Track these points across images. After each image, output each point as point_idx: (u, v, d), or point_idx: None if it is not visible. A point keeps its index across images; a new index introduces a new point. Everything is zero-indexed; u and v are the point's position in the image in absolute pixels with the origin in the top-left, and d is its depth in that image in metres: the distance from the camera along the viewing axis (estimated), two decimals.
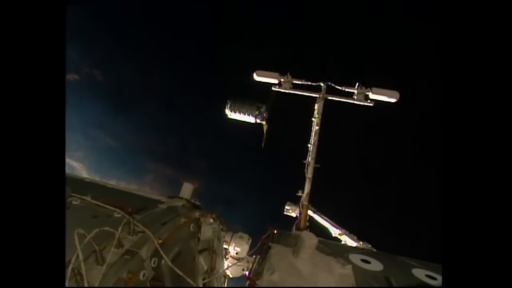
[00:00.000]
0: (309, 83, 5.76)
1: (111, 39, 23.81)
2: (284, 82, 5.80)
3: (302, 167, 5.15)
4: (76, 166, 25.71)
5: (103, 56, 24.88)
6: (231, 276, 4.01)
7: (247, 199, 21.19)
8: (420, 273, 2.83)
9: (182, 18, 21.24)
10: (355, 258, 2.93)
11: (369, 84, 5.52)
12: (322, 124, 5.43)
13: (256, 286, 2.34)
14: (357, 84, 5.53)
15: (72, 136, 24.83)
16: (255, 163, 20.20)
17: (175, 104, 23.53)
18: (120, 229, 2.00)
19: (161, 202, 2.95)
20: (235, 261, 3.91)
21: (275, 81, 5.83)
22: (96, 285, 1.64)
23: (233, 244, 3.88)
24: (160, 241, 2.15)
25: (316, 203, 5.72)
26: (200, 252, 2.99)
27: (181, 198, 3.28)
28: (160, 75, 23.55)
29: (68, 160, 25.32)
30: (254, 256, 3.52)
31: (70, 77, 23.98)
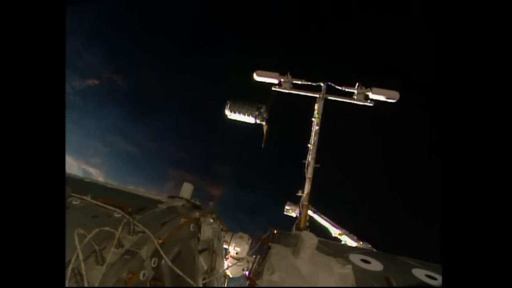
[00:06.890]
0: (309, 83, 5.76)
1: (132, 43, 23.27)
2: (284, 82, 5.79)
3: (302, 167, 5.16)
4: (93, 172, 24.99)
5: (124, 61, 24.22)
6: (231, 276, 4.01)
7: (271, 205, 20.70)
8: (420, 273, 2.83)
9: (202, 21, 20.79)
10: (355, 258, 2.93)
11: (369, 84, 5.53)
12: (322, 124, 5.43)
13: (256, 286, 2.34)
14: (357, 84, 5.52)
15: (89, 142, 24.36)
16: (279, 168, 19.59)
17: (197, 110, 22.67)
18: (120, 229, 2.01)
19: (161, 202, 2.95)
20: (235, 261, 3.91)
21: (275, 81, 5.83)
22: (96, 285, 1.64)
23: (233, 244, 3.88)
24: (160, 241, 2.15)
25: (316, 203, 5.72)
26: (200, 252, 2.99)
27: (181, 198, 3.28)
28: (182, 80, 22.78)
29: (84, 166, 24.84)
30: (254, 256, 3.52)
31: (90, 82, 23.67)
